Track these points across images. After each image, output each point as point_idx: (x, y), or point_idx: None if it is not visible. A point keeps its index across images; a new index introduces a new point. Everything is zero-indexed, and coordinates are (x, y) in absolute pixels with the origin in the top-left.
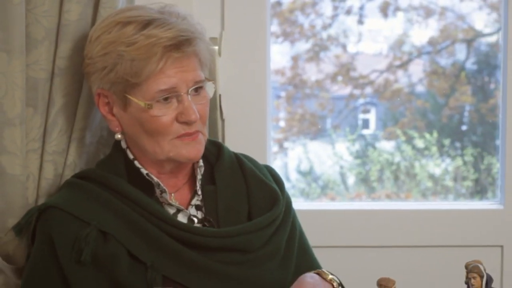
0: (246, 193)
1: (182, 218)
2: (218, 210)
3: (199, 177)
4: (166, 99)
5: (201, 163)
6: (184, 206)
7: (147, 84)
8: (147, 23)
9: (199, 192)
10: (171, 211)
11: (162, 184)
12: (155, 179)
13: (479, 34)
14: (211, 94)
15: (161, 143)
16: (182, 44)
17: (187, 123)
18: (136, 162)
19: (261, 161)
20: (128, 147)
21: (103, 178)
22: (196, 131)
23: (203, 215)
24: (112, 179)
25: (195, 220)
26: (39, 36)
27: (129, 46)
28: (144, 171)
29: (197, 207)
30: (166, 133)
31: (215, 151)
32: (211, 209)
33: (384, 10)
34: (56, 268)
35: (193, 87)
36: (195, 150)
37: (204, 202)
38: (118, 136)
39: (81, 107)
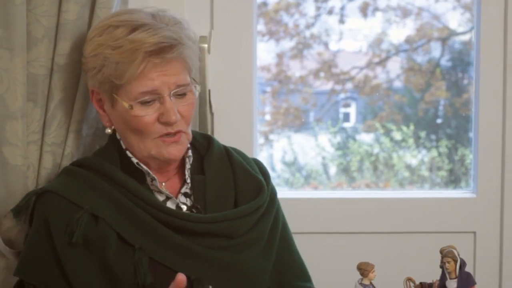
0: (233, 183)
1: (171, 205)
2: (206, 198)
3: (187, 166)
4: (149, 101)
5: (190, 153)
6: (174, 195)
7: (130, 85)
8: (135, 28)
9: (188, 181)
10: (161, 198)
11: (151, 173)
12: (145, 168)
13: (453, 33)
14: (197, 94)
15: (144, 141)
16: (162, 50)
17: (168, 124)
18: (128, 152)
19: (247, 153)
20: (121, 137)
21: (98, 166)
22: (178, 131)
23: (191, 203)
24: (106, 166)
25: (184, 207)
26: (39, 35)
27: (114, 49)
28: (134, 160)
29: (186, 195)
30: (148, 132)
31: (205, 144)
32: (199, 197)
33: (364, 10)
34: (51, 248)
35: (175, 90)
36: (175, 150)
37: (193, 191)
38: (109, 130)
39: (78, 101)
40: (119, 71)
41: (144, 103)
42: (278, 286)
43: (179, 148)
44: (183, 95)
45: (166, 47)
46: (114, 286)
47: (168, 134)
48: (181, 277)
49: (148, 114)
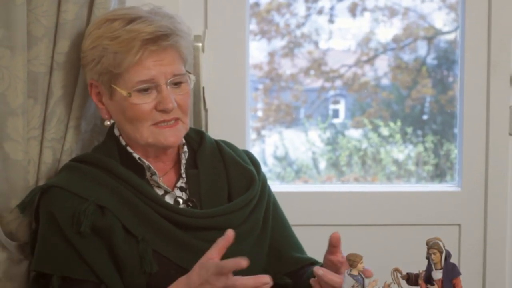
0: (225, 175)
1: (169, 199)
2: (200, 192)
3: (183, 161)
4: (146, 89)
5: (185, 149)
6: (171, 188)
7: (128, 74)
8: (131, 20)
9: (184, 175)
10: (160, 192)
11: (152, 167)
12: (146, 162)
13: (439, 32)
14: (191, 85)
15: (140, 129)
16: (159, 38)
17: (165, 111)
18: (128, 148)
19: (241, 147)
20: (120, 134)
21: (99, 161)
22: (175, 118)
23: (187, 196)
24: (107, 161)
25: (180, 201)
26: (39, 34)
27: (112, 40)
28: (136, 156)
29: (182, 189)
30: (144, 119)
31: (197, 139)
32: (194, 191)
33: (353, 10)
34: (64, 240)
35: (172, 79)
36: (173, 137)
37: (188, 185)
38: (107, 123)
39: (77, 98)
40: (118, 60)
41: (142, 91)
42: (276, 260)
43: (176, 135)
44: (178, 84)
45: (162, 36)
46: (123, 272)
47: (163, 121)
48: (230, 234)
49: (146, 102)
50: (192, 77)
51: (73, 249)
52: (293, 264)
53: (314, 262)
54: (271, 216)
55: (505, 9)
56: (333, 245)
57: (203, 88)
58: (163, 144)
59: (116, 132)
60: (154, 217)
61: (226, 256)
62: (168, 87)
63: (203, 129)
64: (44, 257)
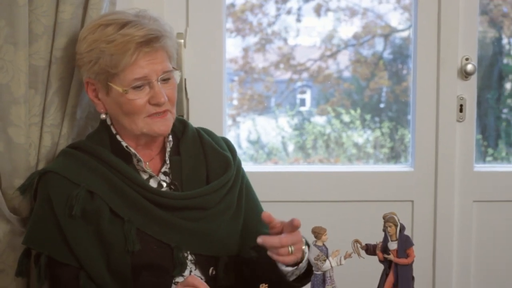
0: (204, 161)
1: (153, 183)
2: (182, 176)
3: (168, 149)
4: (140, 86)
5: (170, 138)
6: (156, 173)
7: (124, 73)
8: (124, 24)
9: (168, 162)
10: (145, 177)
11: (138, 155)
12: (133, 150)
13: (394, 30)
14: (178, 80)
15: (136, 121)
16: (151, 40)
17: (157, 105)
18: (117, 136)
19: (218, 133)
20: (112, 123)
21: (91, 149)
22: (165, 110)
23: (170, 180)
24: (99, 149)
25: (164, 184)
26: (39, 32)
27: (108, 43)
28: (124, 144)
29: (165, 174)
30: (140, 112)
31: (181, 128)
32: (176, 175)
33: (318, 11)
34: (54, 221)
35: (162, 76)
36: (164, 126)
37: (171, 170)
38: (103, 116)
39: (73, 89)
40: (114, 61)
41: (136, 88)
42: (246, 234)
43: (166, 124)
44: (167, 80)
45: (153, 38)
46: (108, 252)
47: (156, 113)
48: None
49: (140, 98)
50: (178, 72)
51: (61, 232)
52: None
53: None
54: (244, 197)
55: (453, 10)
56: (267, 223)
57: (185, 79)
58: (155, 133)
59: (108, 121)
60: (139, 199)
61: (204, 233)
62: (159, 83)
63: (185, 116)
64: (34, 235)
